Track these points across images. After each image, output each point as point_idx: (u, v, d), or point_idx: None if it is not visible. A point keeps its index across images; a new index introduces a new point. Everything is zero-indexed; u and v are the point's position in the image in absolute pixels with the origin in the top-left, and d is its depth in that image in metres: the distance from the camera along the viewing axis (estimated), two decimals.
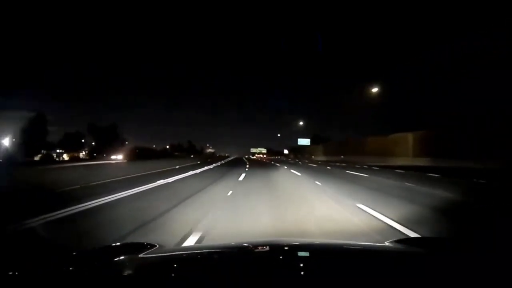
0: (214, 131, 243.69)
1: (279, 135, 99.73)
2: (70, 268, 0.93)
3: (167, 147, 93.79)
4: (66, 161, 39.45)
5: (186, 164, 19.46)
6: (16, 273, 0.83)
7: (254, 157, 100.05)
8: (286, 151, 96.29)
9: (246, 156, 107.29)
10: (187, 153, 79.66)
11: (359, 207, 4.49)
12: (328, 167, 18.43)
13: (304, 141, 64.10)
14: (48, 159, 40.06)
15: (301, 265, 0.96)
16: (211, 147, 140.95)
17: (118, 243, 1.45)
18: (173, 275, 0.87)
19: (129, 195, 5.92)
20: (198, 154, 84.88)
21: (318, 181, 8.71)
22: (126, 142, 55.11)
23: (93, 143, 54.06)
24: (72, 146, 51.78)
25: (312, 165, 22.44)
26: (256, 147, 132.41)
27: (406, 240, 1.30)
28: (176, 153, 77.03)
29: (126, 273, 0.89)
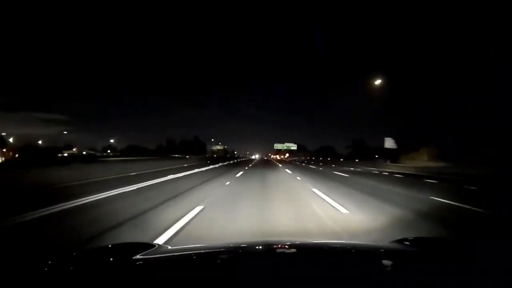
0: (240, 127, 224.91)
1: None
2: (70, 268, 0.94)
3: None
4: None
5: None
6: (15, 274, 0.84)
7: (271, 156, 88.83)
8: (389, 143, 29.93)
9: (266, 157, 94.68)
10: (168, 153, 59.86)
11: None
12: None
13: None
14: None
15: (300, 265, 0.97)
16: (220, 144, 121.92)
17: (118, 243, 1.46)
18: (172, 275, 0.88)
19: None
20: (193, 153, 63.30)
21: None
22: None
23: None
24: None
25: None
26: (284, 143, 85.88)
27: (406, 240, 1.30)
28: (116, 154, 55.83)
29: (125, 273, 0.90)
